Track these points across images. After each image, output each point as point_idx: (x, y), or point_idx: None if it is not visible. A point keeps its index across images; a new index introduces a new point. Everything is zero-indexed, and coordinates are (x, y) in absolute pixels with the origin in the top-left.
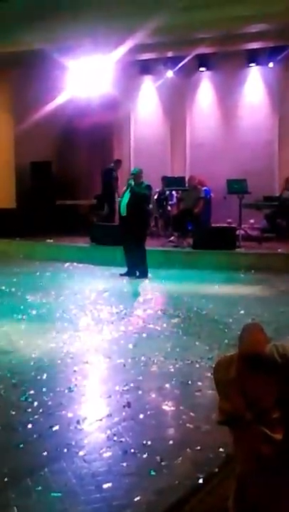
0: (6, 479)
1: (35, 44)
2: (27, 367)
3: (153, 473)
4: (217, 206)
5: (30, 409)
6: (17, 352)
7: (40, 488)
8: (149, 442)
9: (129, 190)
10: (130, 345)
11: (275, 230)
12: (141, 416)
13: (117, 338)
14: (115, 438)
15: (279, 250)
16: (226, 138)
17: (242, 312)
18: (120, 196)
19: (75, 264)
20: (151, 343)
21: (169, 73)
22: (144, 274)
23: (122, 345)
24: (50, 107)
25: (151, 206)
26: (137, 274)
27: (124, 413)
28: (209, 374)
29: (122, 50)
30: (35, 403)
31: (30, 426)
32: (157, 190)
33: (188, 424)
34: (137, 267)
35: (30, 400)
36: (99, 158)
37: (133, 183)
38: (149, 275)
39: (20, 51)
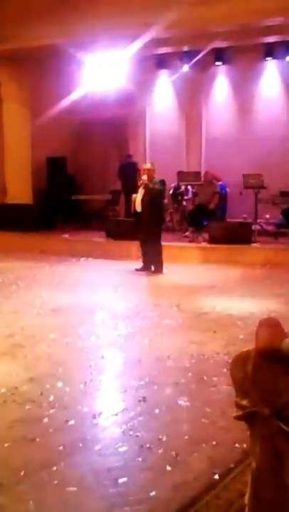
0: (22, 473)
1: (51, 39)
2: (42, 361)
3: (169, 468)
4: (233, 201)
5: (45, 404)
6: (32, 347)
7: (56, 482)
8: (164, 437)
9: (143, 186)
10: (146, 341)
11: None
12: (156, 411)
13: (132, 333)
14: (131, 433)
15: None
16: (242, 132)
17: (258, 307)
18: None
19: (90, 258)
20: (166, 338)
21: (185, 67)
22: (159, 269)
23: (138, 340)
24: (66, 101)
25: (166, 201)
26: (152, 269)
27: (139, 408)
28: (225, 369)
29: (138, 44)
30: (51, 398)
31: (46, 420)
32: (173, 185)
33: (203, 420)
34: (152, 262)
35: (45, 394)
36: (114, 153)
37: (146, 178)
38: (165, 270)
39: (36, 46)
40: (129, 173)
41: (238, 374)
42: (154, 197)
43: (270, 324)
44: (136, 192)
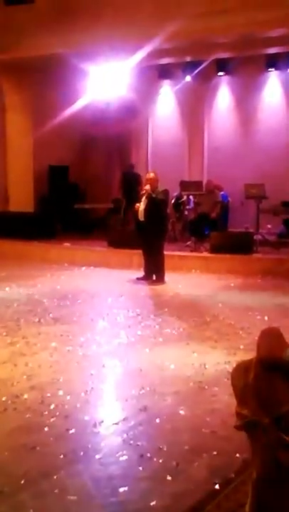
0: (22, 481)
1: (54, 49)
2: (44, 369)
3: (169, 477)
4: (234, 211)
5: (46, 412)
6: (34, 355)
7: (56, 490)
8: (165, 447)
9: (146, 195)
10: (147, 350)
11: None
12: (157, 420)
13: (133, 342)
14: (131, 442)
15: None
16: (244, 142)
17: (259, 317)
18: (137, 202)
19: (91, 267)
20: (167, 348)
21: (188, 78)
22: (161, 279)
23: (139, 349)
24: (69, 111)
25: (168, 210)
26: (154, 278)
27: (140, 417)
28: (226, 379)
29: (141, 54)
30: (52, 406)
31: (46, 429)
32: (175, 194)
33: (204, 429)
34: (154, 272)
35: (46, 402)
36: (117, 163)
37: (149, 188)
38: (166, 279)
39: (40, 56)
40: (131, 182)
41: (238, 383)
42: (157, 207)
43: (271, 334)
44: (137, 201)
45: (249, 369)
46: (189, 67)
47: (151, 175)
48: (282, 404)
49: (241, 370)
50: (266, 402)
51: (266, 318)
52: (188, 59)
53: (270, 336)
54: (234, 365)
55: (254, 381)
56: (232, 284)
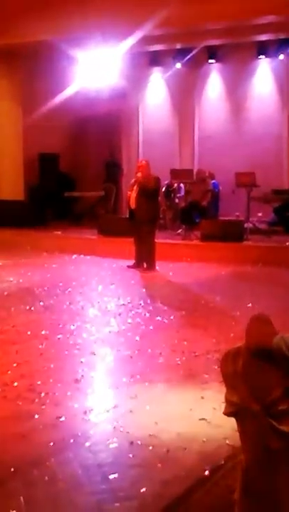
0: (12, 469)
1: (43, 35)
2: (34, 357)
3: (159, 464)
4: (225, 199)
5: (37, 400)
6: (24, 343)
7: (46, 478)
8: (155, 434)
9: (137, 183)
10: (137, 337)
11: (283, 223)
12: (147, 407)
13: (124, 330)
14: (122, 429)
15: (287, 243)
16: (235, 130)
17: (249, 305)
18: (129, 189)
19: (82, 255)
20: (158, 336)
21: (178, 65)
22: (151, 267)
23: (129, 337)
24: (59, 98)
25: (160, 198)
26: (145, 266)
27: (130, 405)
28: (216, 367)
29: (131, 41)
30: (42, 394)
31: (36, 416)
32: (165, 182)
33: (194, 416)
34: (145, 259)
35: (37, 390)
36: (107, 150)
37: (140, 175)
38: (157, 267)
39: (28, 42)
40: (113, 173)
41: (228, 369)
42: (148, 194)
43: (260, 321)
44: (119, 191)
45: (238, 356)
46: (180, 54)
47: (143, 162)
48: (271, 390)
49: (231, 357)
50: (256, 389)
51: (257, 306)
52: (178, 46)
53: (259, 323)
54: (224, 353)
55: (243, 368)
56: (223, 272)
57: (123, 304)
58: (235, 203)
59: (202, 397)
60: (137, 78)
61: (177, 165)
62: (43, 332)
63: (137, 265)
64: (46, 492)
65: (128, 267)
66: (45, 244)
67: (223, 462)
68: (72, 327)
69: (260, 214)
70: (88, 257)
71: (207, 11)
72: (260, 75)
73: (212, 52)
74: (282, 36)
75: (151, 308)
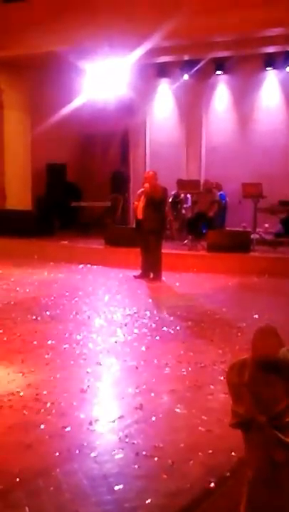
0: (17, 479)
1: (52, 46)
2: (40, 367)
3: (164, 476)
4: (232, 210)
5: (42, 410)
6: (30, 352)
7: (51, 488)
8: (160, 445)
9: (144, 194)
10: (143, 348)
11: None
12: (153, 418)
13: (130, 340)
14: (127, 440)
15: None
16: (242, 141)
17: (256, 316)
18: (136, 200)
19: (89, 265)
20: (164, 346)
21: (186, 76)
22: (158, 277)
23: (135, 348)
24: (67, 109)
25: (166, 209)
26: (151, 276)
27: (136, 415)
28: (222, 378)
29: (139, 53)
30: (48, 404)
31: (42, 426)
32: (172, 193)
33: (200, 428)
34: (151, 270)
35: (43, 400)
36: (114, 161)
37: (148, 186)
38: (163, 278)
39: (37, 53)
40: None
41: (234, 381)
42: (155, 205)
43: (266, 332)
44: (126, 202)
45: (244, 368)
46: (187, 65)
47: (150, 173)
48: (277, 402)
49: (237, 369)
50: (261, 401)
51: (263, 317)
52: (186, 57)
53: (265, 335)
54: (230, 364)
55: (249, 380)
56: (229, 283)
57: (129, 314)
58: (242, 214)
59: (208, 409)
60: (144, 89)
61: (184, 176)
62: (49, 342)
63: (144, 275)
64: (51, 502)
65: (135, 277)
66: (52, 253)
67: (228, 474)
68: (78, 337)
69: (266, 225)
70: (95, 267)
71: (214, 23)
72: (267, 87)
73: (219, 64)
74: None
75: (157, 318)
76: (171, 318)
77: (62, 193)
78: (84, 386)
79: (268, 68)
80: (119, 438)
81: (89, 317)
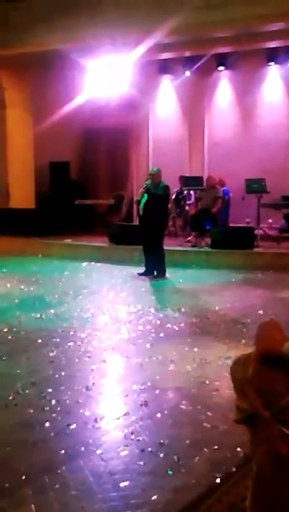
0: (23, 477)
1: (54, 44)
2: (45, 365)
3: (170, 472)
4: (235, 206)
5: (47, 408)
6: (35, 350)
7: (57, 486)
8: (166, 441)
9: (146, 190)
10: (148, 345)
11: None
12: (158, 415)
13: (134, 337)
14: (132, 437)
15: None
16: (245, 137)
17: (260, 312)
18: (138, 196)
19: (93, 263)
20: (168, 343)
21: (188, 73)
22: (162, 274)
23: (140, 345)
24: (69, 107)
25: (169, 206)
26: (155, 273)
27: (141, 412)
28: (227, 374)
29: (141, 49)
30: (53, 401)
31: (47, 424)
32: (175, 189)
33: (205, 424)
34: (155, 267)
35: (48, 398)
36: (117, 158)
37: (150, 183)
38: (167, 275)
39: (39, 51)
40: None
41: (238, 376)
42: (157, 202)
43: (271, 327)
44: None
45: (249, 362)
46: (189, 62)
47: (155, 169)
48: (281, 397)
49: (241, 364)
50: (266, 396)
51: (267, 313)
52: (188, 54)
53: (269, 330)
54: (234, 359)
55: (254, 375)
56: (233, 279)
57: (133, 312)
58: (246, 210)
59: (213, 405)
60: (146, 86)
61: (187, 172)
62: (54, 340)
63: (148, 272)
64: (57, 500)
65: (139, 274)
66: (56, 251)
67: (234, 470)
68: (82, 335)
69: (270, 220)
70: (99, 265)
71: (216, 19)
72: (269, 82)
73: (221, 60)
74: None
75: (161, 315)
76: (176, 314)
77: (66, 191)
78: (89, 384)
79: (270, 63)
80: (125, 435)
81: (93, 315)
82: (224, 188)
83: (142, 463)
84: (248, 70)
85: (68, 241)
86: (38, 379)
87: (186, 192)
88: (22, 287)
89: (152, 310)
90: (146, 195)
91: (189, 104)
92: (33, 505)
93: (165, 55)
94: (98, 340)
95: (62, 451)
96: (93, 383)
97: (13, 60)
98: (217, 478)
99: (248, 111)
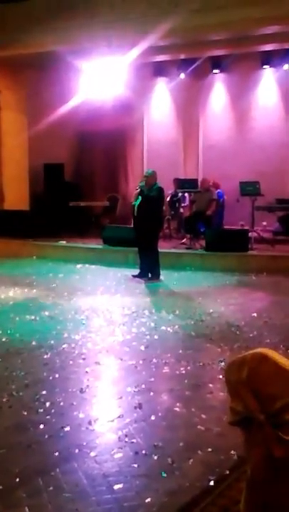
0: (17, 479)
1: (49, 46)
2: (39, 367)
3: (164, 474)
4: (230, 208)
5: (42, 410)
6: (29, 352)
7: (51, 488)
8: (160, 444)
9: (140, 192)
10: (142, 347)
11: (287, 232)
12: (152, 417)
13: (128, 339)
14: (126, 439)
15: None
16: (239, 140)
17: (254, 315)
18: (133, 199)
19: (87, 265)
20: (162, 345)
21: (183, 75)
22: (156, 276)
23: (134, 347)
24: (64, 108)
25: (164, 208)
26: (150, 275)
27: (135, 414)
28: (221, 376)
29: (136, 52)
30: (47, 404)
31: (41, 426)
32: (170, 192)
33: (199, 426)
34: (149, 269)
35: (42, 400)
36: (112, 160)
37: (144, 185)
38: (162, 277)
39: (34, 53)
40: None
41: (233, 379)
42: (150, 204)
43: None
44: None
45: (243, 365)
46: (184, 64)
47: (149, 171)
48: (276, 400)
49: (236, 366)
50: (261, 398)
51: (261, 316)
52: (183, 56)
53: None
54: (229, 361)
55: (248, 377)
56: (227, 282)
57: (128, 314)
58: (240, 212)
59: (207, 407)
60: (141, 88)
61: (182, 174)
62: (48, 342)
63: (142, 275)
64: (51, 502)
65: (133, 276)
66: (51, 253)
67: (228, 472)
68: (76, 337)
69: (264, 223)
70: (93, 267)
71: (211, 22)
72: (264, 85)
73: (216, 63)
74: (286, 46)
75: (155, 317)
76: (170, 317)
77: (60, 193)
78: (83, 386)
79: (264, 66)
80: (119, 437)
81: (87, 317)
82: (219, 190)
83: (136, 465)
84: (243, 73)
85: (63, 243)
86: (32, 381)
87: (180, 194)
88: (16, 289)
89: (147, 312)
90: (140, 197)
91: (184, 106)
92: (26, 508)
93: (160, 58)
94: (92, 342)
95: (57, 454)
96: (87, 385)
97: (8, 61)
98: (211, 480)
99: (242, 114)
